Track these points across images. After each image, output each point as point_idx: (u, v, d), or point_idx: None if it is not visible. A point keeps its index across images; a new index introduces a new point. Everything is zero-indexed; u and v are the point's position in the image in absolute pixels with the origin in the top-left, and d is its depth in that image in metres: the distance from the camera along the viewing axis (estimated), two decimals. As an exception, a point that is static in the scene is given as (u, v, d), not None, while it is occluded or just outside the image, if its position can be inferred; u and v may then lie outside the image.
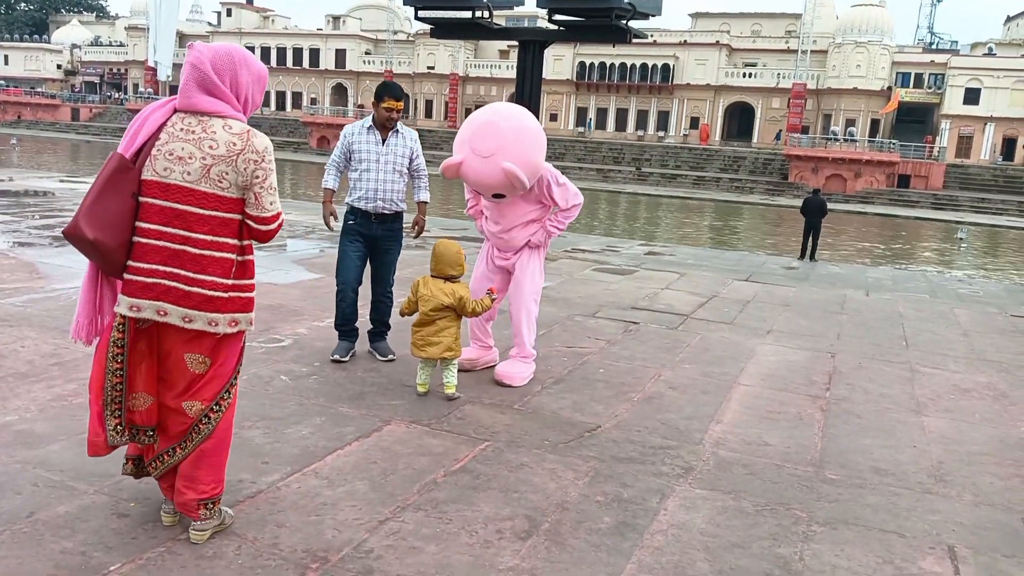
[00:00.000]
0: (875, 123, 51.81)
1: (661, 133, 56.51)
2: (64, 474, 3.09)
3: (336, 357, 4.84)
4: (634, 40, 9.78)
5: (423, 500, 3.12)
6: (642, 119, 57.95)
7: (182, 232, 2.47)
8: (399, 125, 4.88)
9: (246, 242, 2.62)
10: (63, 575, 2.44)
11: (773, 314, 7.58)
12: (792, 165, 43.87)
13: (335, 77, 65.56)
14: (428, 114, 62.39)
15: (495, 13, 9.33)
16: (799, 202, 30.47)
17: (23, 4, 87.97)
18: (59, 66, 75.40)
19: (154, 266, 2.47)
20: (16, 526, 2.70)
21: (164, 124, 2.50)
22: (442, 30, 10.07)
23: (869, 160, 42.09)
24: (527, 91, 9.77)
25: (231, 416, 2.70)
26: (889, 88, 51.69)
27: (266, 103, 67.15)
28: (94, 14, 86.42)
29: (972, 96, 49.87)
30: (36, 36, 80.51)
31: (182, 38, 67.80)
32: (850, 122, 51.04)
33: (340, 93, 65.36)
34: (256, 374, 4.51)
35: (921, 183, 42.41)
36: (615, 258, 11.32)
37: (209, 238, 2.49)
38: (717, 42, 55.95)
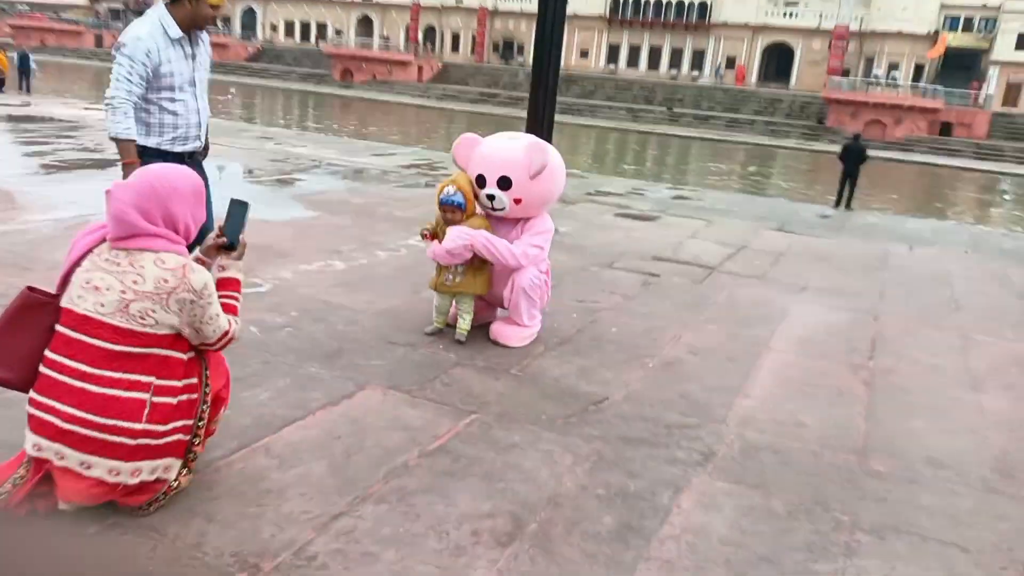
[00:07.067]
0: (919, 68, 49.59)
1: (695, 73, 54.63)
2: None
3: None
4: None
5: (388, 489, 2.61)
6: (676, 58, 56.01)
7: (83, 367, 2.15)
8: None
9: (163, 382, 2.21)
10: None
11: (808, 268, 6.92)
12: (831, 109, 42.16)
13: (360, 8, 63.90)
14: (455, 48, 60.81)
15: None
16: (836, 147, 29.30)
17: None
18: (83, -9, 74.36)
19: (51, 401, 2.16)
20: None
21: (90, 251, 2.24)
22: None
23: (911, 106, 40.29)
24: (548, 22, 8.95)
25: None
26: (936, 32, 49.31)
27: (289, 33, 65.96)
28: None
29: (1025, 41, 47.44)
30: (59, -40, 79.21)
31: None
32: (893, 66, 48.89)
33: (365, 25, 63.82)
34: (224, 324, 4.01)
35: (964, 131, 40.57)
36: (639, 202, 10.63)
37: (116, 375, 2.16)
38: (758, -22, 53.58)
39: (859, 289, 6.29)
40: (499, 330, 4.13)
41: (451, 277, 4.04)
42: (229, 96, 37.16)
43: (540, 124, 9.62)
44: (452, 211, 3.93)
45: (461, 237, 3.83)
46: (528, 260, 3.96)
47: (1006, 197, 24.86)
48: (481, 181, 3.91)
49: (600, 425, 3.28)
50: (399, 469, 2.75)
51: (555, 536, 2.44)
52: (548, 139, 9.73)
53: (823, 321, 5.22)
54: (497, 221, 4.04)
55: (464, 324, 4.11)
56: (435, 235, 4.02)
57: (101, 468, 2.15)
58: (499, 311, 4.35)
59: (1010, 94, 47.73)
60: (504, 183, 3.84)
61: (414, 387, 3.47)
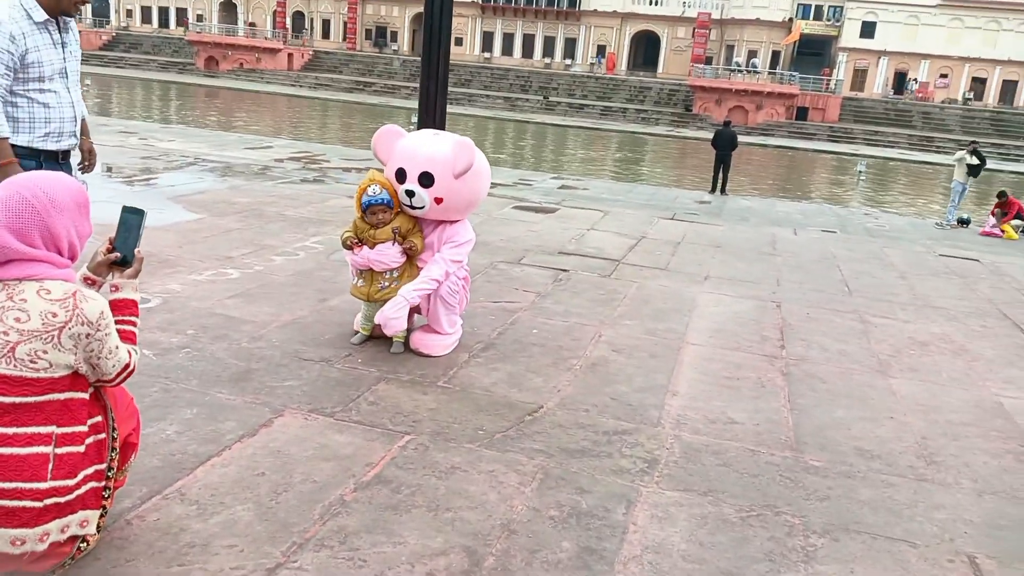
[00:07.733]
0: (776, 55, 52.32)
1: (568, 61, 55.41)
2: None
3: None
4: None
5: (327, 531, 2.37)
6: (549, 46, 56.62)
7: None
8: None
9: (66, 429, 1.94)
10: None
11: (706, 257, 7.06)
12: (696, 96, 43.77)
13: (223, -8, 60.99)
14: (326, 35, 59.08)
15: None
16: (704, 134, 30.46)
17: None
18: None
19: None
20: None
21: None
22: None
23: (770, 92, 42.43)
24: (436, 12, 8.69)
25: None
26: (791, 20, 52.11)
27: (146, 19, 62.18)
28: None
29: (868, 29, 50.91)
30: None
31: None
32: (752, 53, 51.28)
33: (228, 10, 60.93)
34: (111, 348, 3.60)
35: (818, 115, 43.18)
36: (530, 193, 10.63)
37: (10, 431, 1.86)
38: (624, -33, 54.85)
39: (757, 276, 6.46)
40: (420, 339, 3.92)
41: (386, 284, 3.80)
42: (84, 88, 34.55)
43: (433, 117, 9.39)
44: (383, 211, 3.69)
45: (401, 308, 3.66)
46: (452, 274, 3.79)
47: (861, 178, 26.52)
48: (401, 175, 3.66)
49: (539, 437, 3.14)
50: (335, 506, 2.51)
51: (515, 569, 2.28)
52: (441, 130, 9.54)
53: (731, 311, 5.30)
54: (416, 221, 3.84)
55: (400, 334, 3.89)
56: (363, 242, 3.76)
57: (2, 540, 1.82)
58: (416, 318, 4.14)
59: (857, 79, 51.17)
60: (426, 179, 3.61)
61: (337, 408, 3.22)
